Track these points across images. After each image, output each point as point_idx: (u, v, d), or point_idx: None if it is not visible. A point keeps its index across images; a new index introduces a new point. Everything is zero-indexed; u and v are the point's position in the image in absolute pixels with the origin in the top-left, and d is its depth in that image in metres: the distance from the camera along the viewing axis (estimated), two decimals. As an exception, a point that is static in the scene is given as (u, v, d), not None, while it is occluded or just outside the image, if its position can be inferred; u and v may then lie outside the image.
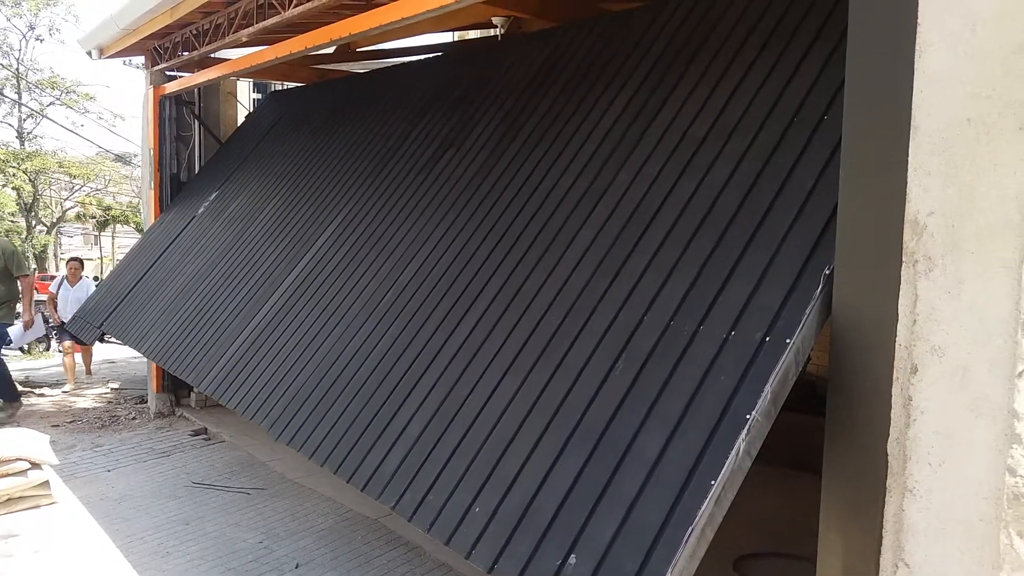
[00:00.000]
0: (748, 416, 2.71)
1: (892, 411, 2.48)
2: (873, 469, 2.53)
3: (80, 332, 9.19)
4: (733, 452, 2.66)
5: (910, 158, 2.44)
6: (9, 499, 6.18)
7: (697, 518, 2.59)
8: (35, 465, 6.33)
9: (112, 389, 11.27)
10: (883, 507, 2.50)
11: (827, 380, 2.77)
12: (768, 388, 2.74)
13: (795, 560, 5.18)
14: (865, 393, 2.58)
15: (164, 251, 8.60)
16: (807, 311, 2.82)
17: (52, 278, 36.96)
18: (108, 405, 10.21)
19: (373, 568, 5.36)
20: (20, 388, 10.09)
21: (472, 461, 3.50)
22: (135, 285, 8.52)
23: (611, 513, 2.83)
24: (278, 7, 6.42)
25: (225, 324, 6.32)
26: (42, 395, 10.79)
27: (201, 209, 8.65)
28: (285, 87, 10.36)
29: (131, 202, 40.25)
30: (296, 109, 8.89)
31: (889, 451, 2.49)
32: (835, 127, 3.22)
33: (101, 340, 8.79)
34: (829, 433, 2.73)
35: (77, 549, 5.59)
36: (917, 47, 2.43)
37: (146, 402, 10.04)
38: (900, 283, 2.46)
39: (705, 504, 2.61)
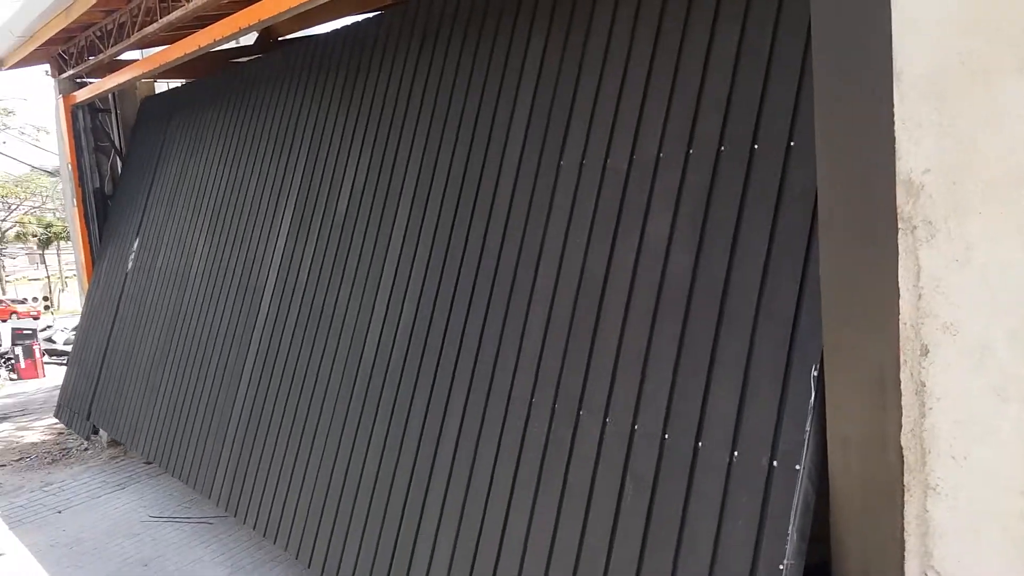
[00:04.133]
0: (781, 566, 2.50)
1: (903, 399, 2.18)
2: (886, 465, 2.25)
3: (70, 423, 8.80)
4: None
5: (896, 108, 2.12)
6: (-50, 560, 5.74)
7: None
8: (-26, 520, 5.88)
9: (62, 418, 10.73)
10: (902, 507, 2.22)
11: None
12: (792, 528, 2.51)
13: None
14: (868, 380, 2.29)
15: (114, 319, 8.20)
16: (806, 427, 2.55)
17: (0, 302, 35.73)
18: (59, 437, 9.67)
19: (349, 591, 5.03)
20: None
21: None
22: (102, 364, 8.14)
23: None
24: (182, -1, 5.93)
25: (205, 417, 6.03)
26: (-13, 433, 10.23)
27: (129, 264, 8.19)
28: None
29: (71, 216, 38.95)
30: (175, 117, 8.34)
31: (904, 444, 2.20)
32: (774, 156, 2.89)
33: (95, 432, 8.39)
34: (831, 426, 2.43)
35: (28, 608, 5.18)
36: (892, -21, 2.10)
37: (98, 431, 9.54)
38: (898, 253, 2.15)
39: None
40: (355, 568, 4.16)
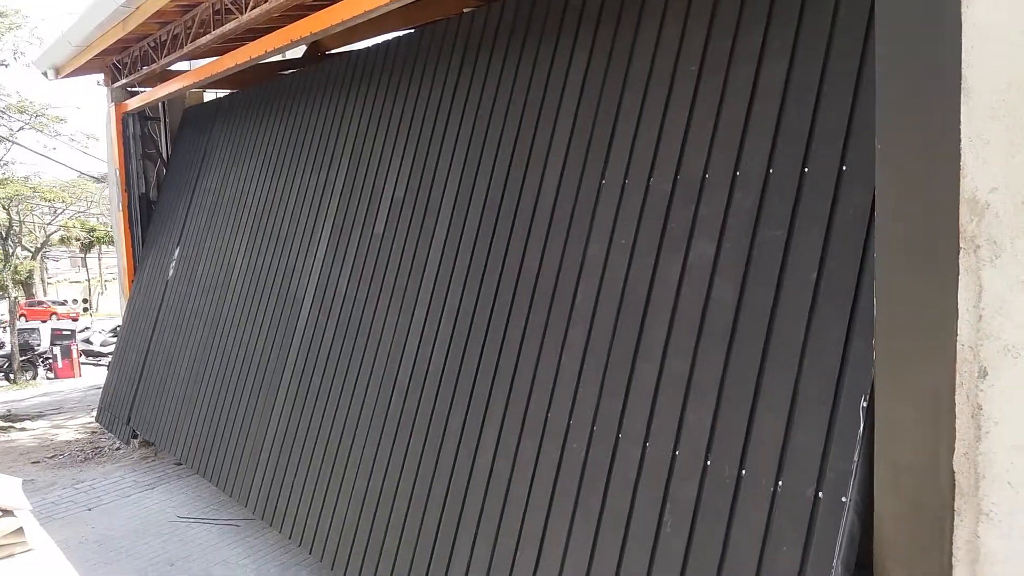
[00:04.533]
0: None
1: (957, 422, 2.13)
2: (937, 489, 2.19)
3: (110, 426, 8.90)
4: None
5: (963, 126, 2.08)
6: (-20, 551, 5.79)
7: None
8: (6, 512, 5.93)
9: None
10: (952, 532, 2.15)
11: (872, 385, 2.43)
12: (837, 561, 2.46)
13: None
14: (921, 400, 2.23)
15: (154, 327, 8.30)
16: (854, 459, 2.51)
17: (40, 303, 36.28)
18: (92, 436, 9.79)
19: (374, 602, 5.00)
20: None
21: None
22: (142, 370, 8.26)
23: None
24: (235, 11, 6.03)
25: (243, 425, 6.05)
26: (23, 429, 10.37)
27: (170, 273, 8.31)
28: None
29: (114, 223, 39.56)
30: (217, 127, 8.46)
31: (956, 468, 2.14)
32: (824, 179, 2.83)
33: (134, 436, 8.49)
34: (880, 446, 2.38)
35: (55, 602, 5.21)
36: (962, -6, 2.07)
37: (137, 435, 9.63)
38: (959, 272, 2.11)
39: None
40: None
